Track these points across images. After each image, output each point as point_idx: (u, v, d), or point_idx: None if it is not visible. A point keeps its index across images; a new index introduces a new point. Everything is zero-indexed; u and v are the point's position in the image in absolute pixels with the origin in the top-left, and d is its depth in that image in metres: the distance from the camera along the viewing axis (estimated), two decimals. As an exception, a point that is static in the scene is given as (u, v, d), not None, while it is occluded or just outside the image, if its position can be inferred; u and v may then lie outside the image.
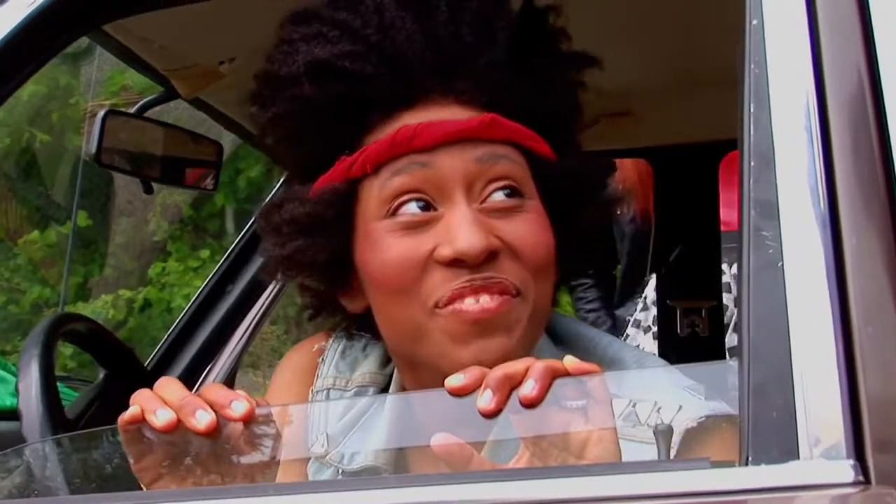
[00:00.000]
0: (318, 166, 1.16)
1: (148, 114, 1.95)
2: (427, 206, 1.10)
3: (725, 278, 2.63)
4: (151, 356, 2.33)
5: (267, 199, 1.23)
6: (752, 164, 0.86)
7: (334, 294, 1.21)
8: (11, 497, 1.01)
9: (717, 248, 2.41)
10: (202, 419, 0.94)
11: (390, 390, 1.24)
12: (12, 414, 1.84)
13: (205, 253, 7.51)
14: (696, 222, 2.38)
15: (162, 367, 2.25)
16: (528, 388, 0.88)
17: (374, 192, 1.11)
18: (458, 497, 0.85)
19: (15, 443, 1.13)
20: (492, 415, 0.88)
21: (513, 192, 1.11)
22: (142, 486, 0.98)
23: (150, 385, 1.00)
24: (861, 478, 0.76)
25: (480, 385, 0.90)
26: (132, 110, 1.96)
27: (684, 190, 2.37)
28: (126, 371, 1.90)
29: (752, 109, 0.88)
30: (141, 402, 0.97)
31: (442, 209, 1.09)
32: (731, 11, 0.93)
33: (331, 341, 1.32)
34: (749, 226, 0.85)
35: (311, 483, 1.15)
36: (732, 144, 0.90)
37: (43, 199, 7.77)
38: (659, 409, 1.02)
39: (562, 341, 1.21)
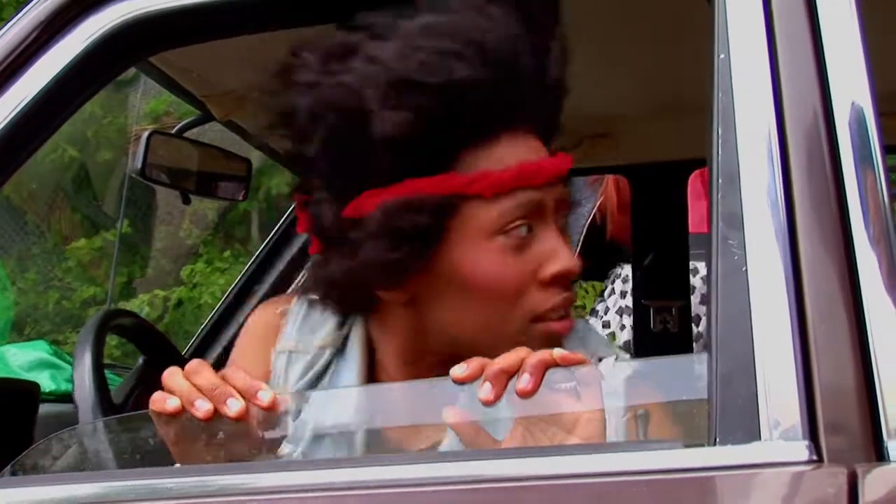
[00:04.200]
0: (405, 171, 1.05)
1: (186, 134, 1.96)
2: (530, 229, 1.07)
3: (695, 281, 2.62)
4: (187, 347, 2.33)
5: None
6: (720, 180, 0.86)
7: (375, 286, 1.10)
8: (67, 471, 1.01)
9: (685, 254, 2.41)
10: (233, 407, 0.96)
11: (348, 349, 1.18)
12: (67, 397, 1.85)
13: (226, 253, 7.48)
14: (668, 231, 2.38)
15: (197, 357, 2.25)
16: (524, 382, 0.89)
17: (491, 214, 1.05)
18: (470, 472, 0.85)
19: (70, 423, 1.13)
20: (491, 404, 0.90)
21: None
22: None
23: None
24: (815, 457, 0.77)
25: (480, 375, 0.91)
26: (172, 131, 1.96)
27: (658, 203, 2.37)
28: (166, 360, 1.90)
29: (719, 132, 0.88)
30: (180, 392, 0.98)
31: (535, 231, 1.08)
32: (702, 47, 0.94)
33: (293, 304, 1.23)
34: (717, 235, 0.85)
35: (315, 461, 1.12)
36: (701, 162, 0.90)
37: (92, 209, 7.76)
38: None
39: None
